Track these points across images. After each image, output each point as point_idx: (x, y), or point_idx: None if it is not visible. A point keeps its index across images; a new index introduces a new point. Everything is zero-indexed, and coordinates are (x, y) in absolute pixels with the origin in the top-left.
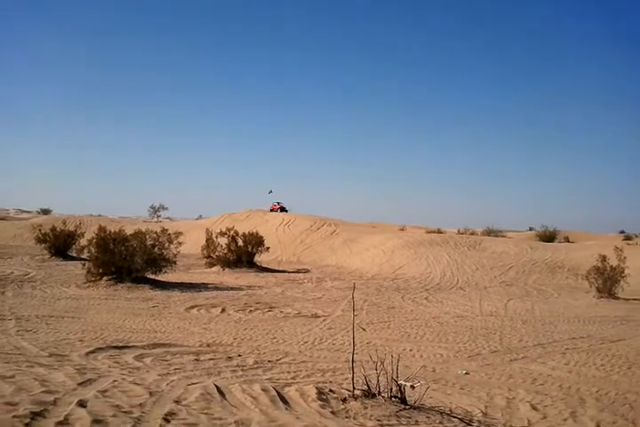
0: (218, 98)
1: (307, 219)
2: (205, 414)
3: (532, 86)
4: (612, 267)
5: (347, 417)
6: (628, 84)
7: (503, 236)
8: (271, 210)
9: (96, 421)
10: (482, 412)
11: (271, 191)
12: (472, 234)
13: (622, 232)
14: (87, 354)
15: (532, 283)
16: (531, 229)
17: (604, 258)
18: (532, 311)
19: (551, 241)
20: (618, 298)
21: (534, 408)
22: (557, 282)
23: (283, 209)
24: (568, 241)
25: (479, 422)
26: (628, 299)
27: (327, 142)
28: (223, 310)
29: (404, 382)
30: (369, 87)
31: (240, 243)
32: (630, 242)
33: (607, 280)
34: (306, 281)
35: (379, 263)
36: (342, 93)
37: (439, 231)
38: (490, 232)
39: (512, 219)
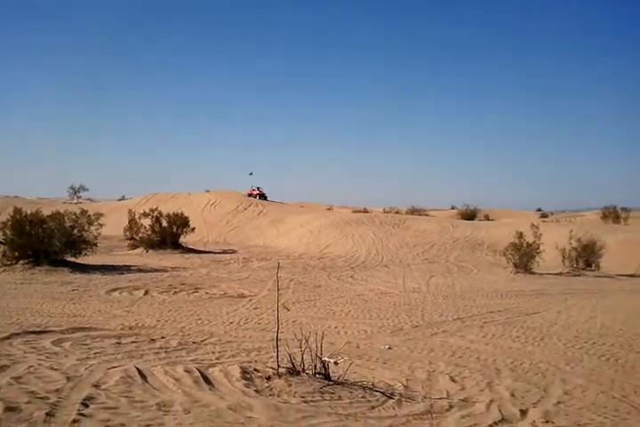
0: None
1: (233, 199)
2: (126, 397)
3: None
4: (528, 243)
5: (271, 395)
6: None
7: (427, 214)
8: (249, 195)
9: (9, 408)
10: (403, 385)
11: (252, 173)
12: (397, 213)
13: (539, 210)
14: (2, 340)
15: (454, 260)
16: (453, 208)
17: (520, 235)
18: (453, 287)
19: (472, 219)
20: (533, 273)
21: (453, 380)
22: (477, 258)
23: (262, 196)
24: (488, 219)
25: (400, 395)
26: (543, 273)
27: (250, 118)
28: (146, 293)
29: (327, 359)
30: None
31: (164, 224)
32: (546, 219)
33: (524, 256)
34: (232, 262)
35: (306, 243)
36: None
37: (365, 211)
38: (414, 211)
39: (436, 198)
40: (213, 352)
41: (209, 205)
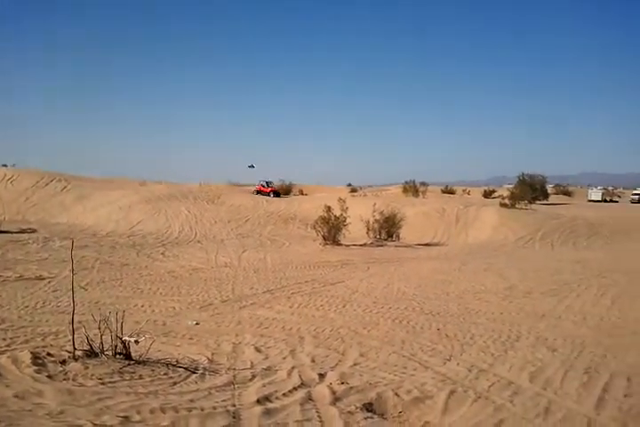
0: None
1: (33, 174)
2: None
3: None
4: (335, 216)
5: (65, 379)
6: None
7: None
8: (258, 192)
9: None
10: (208, 359)
11: (252, 166)
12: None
13: (349, 185)
14: None
15: (267, 234)
16: None
17: (329, 208)
18: (265, 261)
19: (287, 194)
20: (340, 244)
21: (258, 350)
22: (290, 232)
23: (276, 193)
24: (302, 194)
25: (204, 369)
26: (349, 245)
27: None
28: None
29: (128, 338)
30: None
31: None
32: (355, 194)
33: (332, 229)
34: (31, 242)
35: (115, 220)
36: None
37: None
38: (231, 186)
39: (254, 173)
40: (4, 339)
41: (5, 180)
